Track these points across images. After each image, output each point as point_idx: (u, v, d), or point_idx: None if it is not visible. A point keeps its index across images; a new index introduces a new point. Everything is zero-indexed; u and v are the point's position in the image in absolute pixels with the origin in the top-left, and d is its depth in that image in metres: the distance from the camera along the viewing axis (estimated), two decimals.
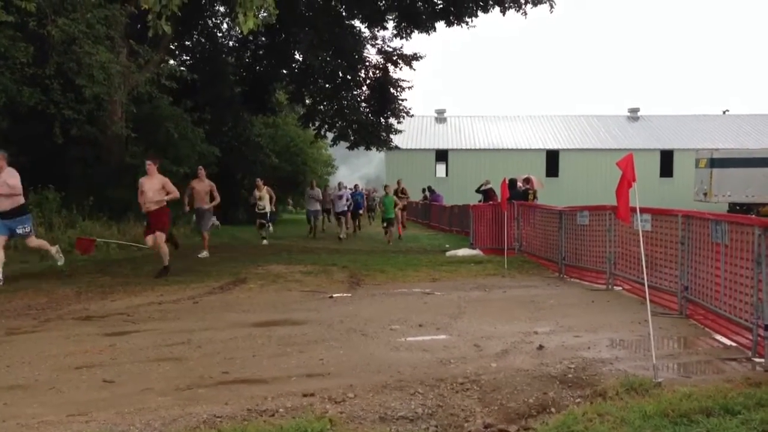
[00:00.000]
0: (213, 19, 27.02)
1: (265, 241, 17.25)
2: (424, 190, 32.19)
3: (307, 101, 29.53)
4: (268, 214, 17.55)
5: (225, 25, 27.67)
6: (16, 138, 17.23)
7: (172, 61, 24.85)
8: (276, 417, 4.06)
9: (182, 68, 20.62)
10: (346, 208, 22.27)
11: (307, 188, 23.12)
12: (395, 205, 20.01)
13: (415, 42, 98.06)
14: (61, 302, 8.40)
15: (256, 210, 17.64)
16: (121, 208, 16.11)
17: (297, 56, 26.73)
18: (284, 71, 27.80)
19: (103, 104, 15.78)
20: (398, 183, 23.30)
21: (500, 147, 46.46)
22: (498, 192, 15.59)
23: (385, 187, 22.72)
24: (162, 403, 4.34)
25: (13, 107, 14.16)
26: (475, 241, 15.51)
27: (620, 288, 8.90)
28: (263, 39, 26.60)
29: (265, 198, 17.30)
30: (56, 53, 12.94)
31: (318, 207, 22.18)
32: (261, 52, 28.13)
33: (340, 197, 22.11)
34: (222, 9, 25.92)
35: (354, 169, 53.39)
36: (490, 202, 17.19)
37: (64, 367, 5.28)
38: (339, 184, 24.27)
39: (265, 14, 10.71)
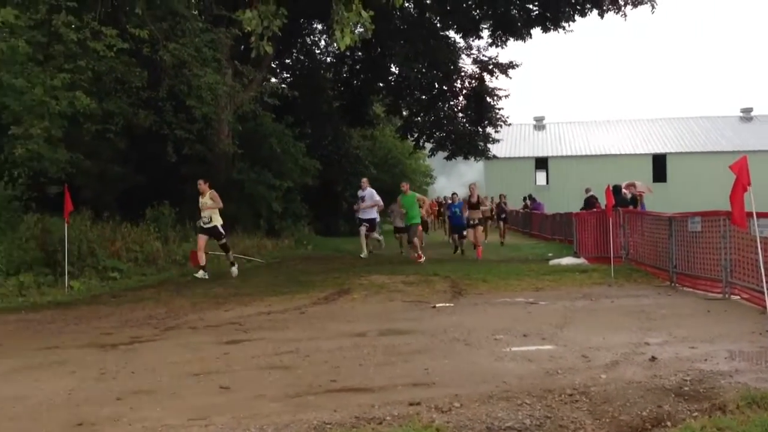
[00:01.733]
0: (311, 36, 27.76)
1: (364, 254, 16.30)
2: (524, 199, 31.69)
3: (404, 113, 29.78)
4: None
5: (322, 42, 28.39)
6: (133, 158, 18.32)
7: (273, 79, 25.74)
8: (383, 425, 4.12)
9: (283, 85, 21.34)
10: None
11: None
12: (421, 206, 16.01)
13: (511, 49, 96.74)
14: (179, 312, 8.85)
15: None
16: (230, 221, 16.80)
17: (393, 69, 27.07)
18: (381, 84, 28.20)
19: (211, 123, 16.55)
20: (471, 189, 17.47)
21: (602, 153, 45.11)
22: (601, 199, 15.18)
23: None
24: (274, 409, 4.50)
25: (130, 129, 15.04)
26: (579, 249, 15.16)
27: (738, 297, 8.47)
28: (359, 54, 27.09)
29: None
30: (168, 77, 13.68)
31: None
32: (358, 67, 28.64)
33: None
34: (319, 27, 26.59)
35: (453, 179, 53.29)
36: (594, 210, 16.74)
37: (184, 374, 5.56)
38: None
39: (361, 30, 10.96)
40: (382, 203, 16.75)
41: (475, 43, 27.00)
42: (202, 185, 12.36)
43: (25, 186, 11.71)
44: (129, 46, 12.43)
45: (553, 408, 4.36)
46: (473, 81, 27.28)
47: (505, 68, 26.69)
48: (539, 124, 51.03)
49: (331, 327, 7.57)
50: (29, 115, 11.06)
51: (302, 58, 27.90)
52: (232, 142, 18.50)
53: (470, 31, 25.56)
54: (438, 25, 25.38)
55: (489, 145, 28.72)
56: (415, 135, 29.72)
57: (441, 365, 5.55)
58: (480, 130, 28.02)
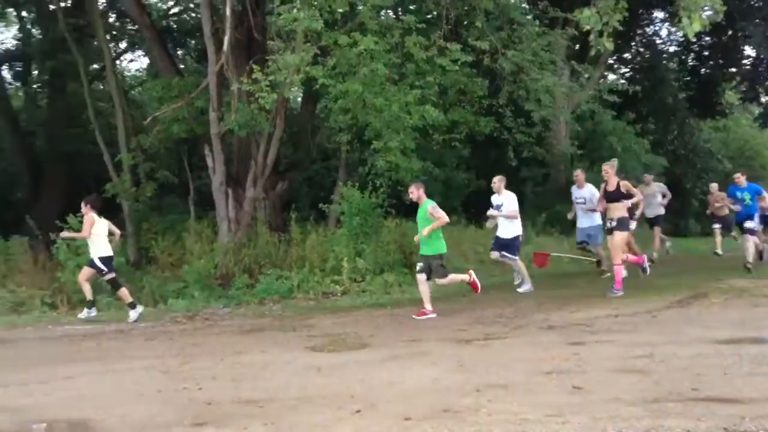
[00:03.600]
0: (651, 26, 26.30)
1: (719, 252, 14.01)
2: None
3: (763, 99, 26.59)
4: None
5: (664, 31, 26.68)
6: (474, 164, 19.31)
7: (612, 76, 24.95)
8: None
9: (622, 81, 20.53)
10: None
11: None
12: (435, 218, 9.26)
13: None
14: (525, 312, 9.07)
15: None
16: (571, 223, 16.73)
17: (748, 51, 24.35)
18: (733, 69, 25.54)
19: (549, 126, 16.66)
20: (606, 170, 10.32)
21: None
22: None
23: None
24: (632, 413, 4.38)
25: (472, 136, 15.85)
26: None
27: None
28: (707, 39, 24.82)
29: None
30: (507, 83, 14.09)
31: None
32: (706, 53, 26.29)
33: None
34: (660, 15, 25.05)
35: None
36: None
37: (535, 371, 5.70)
38: None
39: (710, 12, 10.07)
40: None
41: None
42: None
43: (386, 194, 13.03)
44: (471, 59, 13.10)
45: None
46: None
47: None
48: None
49: (687, 332, 7.09)
50: (387, 130, 12.26)
51: (642, 50, 26.53)
52: (571, 143, 18.37)
53: None
54: None
55: None
56: None
57: None
58: None
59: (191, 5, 22.21)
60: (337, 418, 4.65)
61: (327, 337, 8.05)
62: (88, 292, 10.30)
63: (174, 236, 14.63)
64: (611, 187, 10.18)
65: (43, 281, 12.23)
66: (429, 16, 15.05)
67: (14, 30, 24.31)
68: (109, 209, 17.15)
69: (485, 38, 13.14)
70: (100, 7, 18.72)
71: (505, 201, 11.03)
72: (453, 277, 9.51)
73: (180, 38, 23.02)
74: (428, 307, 9.23)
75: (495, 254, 11.31)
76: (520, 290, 11.12)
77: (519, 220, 11.27)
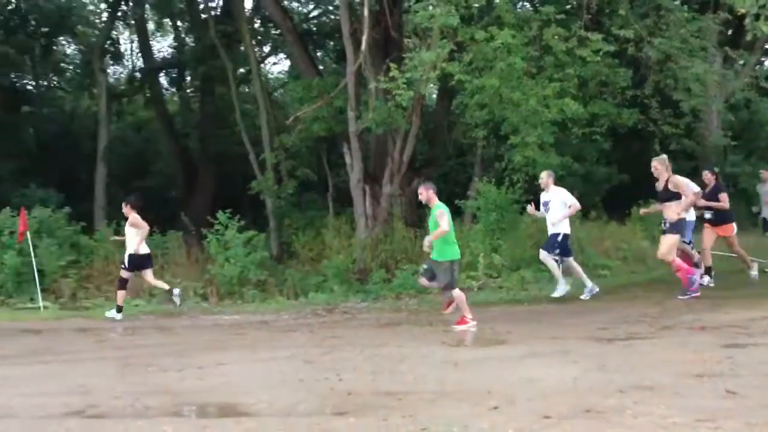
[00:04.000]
0: None
1: None
2: None
3: None
4: None
5: None
6: (616, 157, 18.57)
7: None
8: None
9: None
10: None
11: None
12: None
13: None
14: (673, 312, 8.61)
15: None
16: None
17: None
18: None
19: (700, 116, 15.68)
20: (655, 167, 9.71)
21: None
22: None
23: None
24: None
25: (613, 129, 15.22)
26: None
27: None
28: None
29: None
30: (653, 73, 13.42)
31: None
32: None
33: None
34: None
35: None
36: None
37: (684, 374, 5.41)
38: None
39: None
40: None
41: None
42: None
43: (523, 189, 12.81)
44: (614, 48, 12.59)
45: None
46: None
47: None
48: None
49: None
50: (525, 125, 12.03)
51: None
52: (723, 134, 17.21)
53: None
54: None
55: None
56: None
57: None
58: None
59: (330, 8, 22.88)
60: (474, 413, 4.64)
61: (464, 332, 8.04)
62: None
63: (314, 232, 15.13)
64: (660, 186, 9.38)
65: (195, 274, 13.04)
66: (568, 6, 14.59)
67: (170, 39, 26.15)
68: (254, 206, 18.20)
69: (629, 26, 12.55)
70: (246, 14, 19.65)
71: (554, 197, 10.15)
72: (458, 296, 8.36)
73: (319, 40, 23.78)
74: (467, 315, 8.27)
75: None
76: (554, 294, 10.06)
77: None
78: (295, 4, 23.77)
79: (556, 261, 10.02)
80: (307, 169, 17.26)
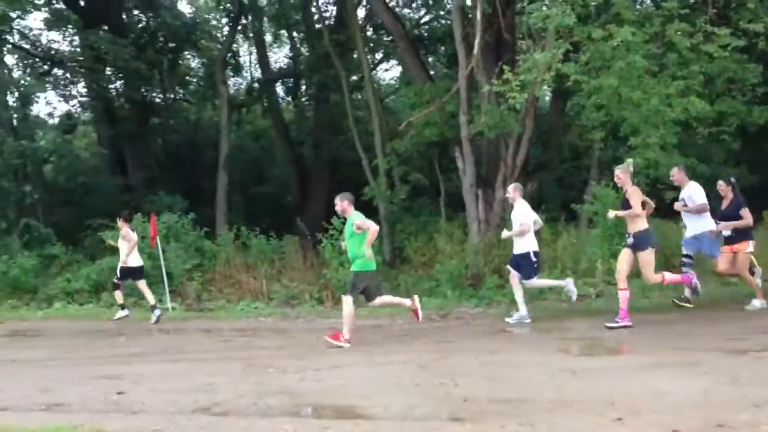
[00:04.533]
0: None
1: None
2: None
3: None
4: None
5: None
6: (745, 158, 17.48)
7: None
8: None
9: None
10: None
11: None
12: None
13: None
14: None
15: None
16: None
17: None
18: None
19: None
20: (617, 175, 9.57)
21: None
22: None
23: None
24: None
25: (743, 128, 14.35)
26: None
27: None
28: None
29: None
30: None
31: None
32: None
33: None
34: None
35: None
36: None
37: None
38: None
39: None
40: None
41: None
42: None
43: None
44: (743, 43, 11.87)
45: None
46: None
47: None
48: None
49: None
50: (646, 125, 11.55)
51: None
52: None
53: None
54: None
55: None
56: None
57: None
58: None
59: (442, 12, 22.88)
60: (597, 424, 4.48)
61: (582, 340, 7.81)
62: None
63: (426, 237, 15.15)
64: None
65: (311, 278, 13.37)
66: (692, 1, 13.90)
67: (286, 49, 26.98)
68: (367, 212, 18.43)
69: (759, 20, 11.81)
70: (359, 22, 19.96)
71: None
72: (383, 299, 8.63)
73: (431, 45, 23.80)
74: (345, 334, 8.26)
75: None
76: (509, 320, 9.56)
77: (531, 234, 9.86)
78: (406, 11, 23.90)
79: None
80: (419, 174, 17.29)
